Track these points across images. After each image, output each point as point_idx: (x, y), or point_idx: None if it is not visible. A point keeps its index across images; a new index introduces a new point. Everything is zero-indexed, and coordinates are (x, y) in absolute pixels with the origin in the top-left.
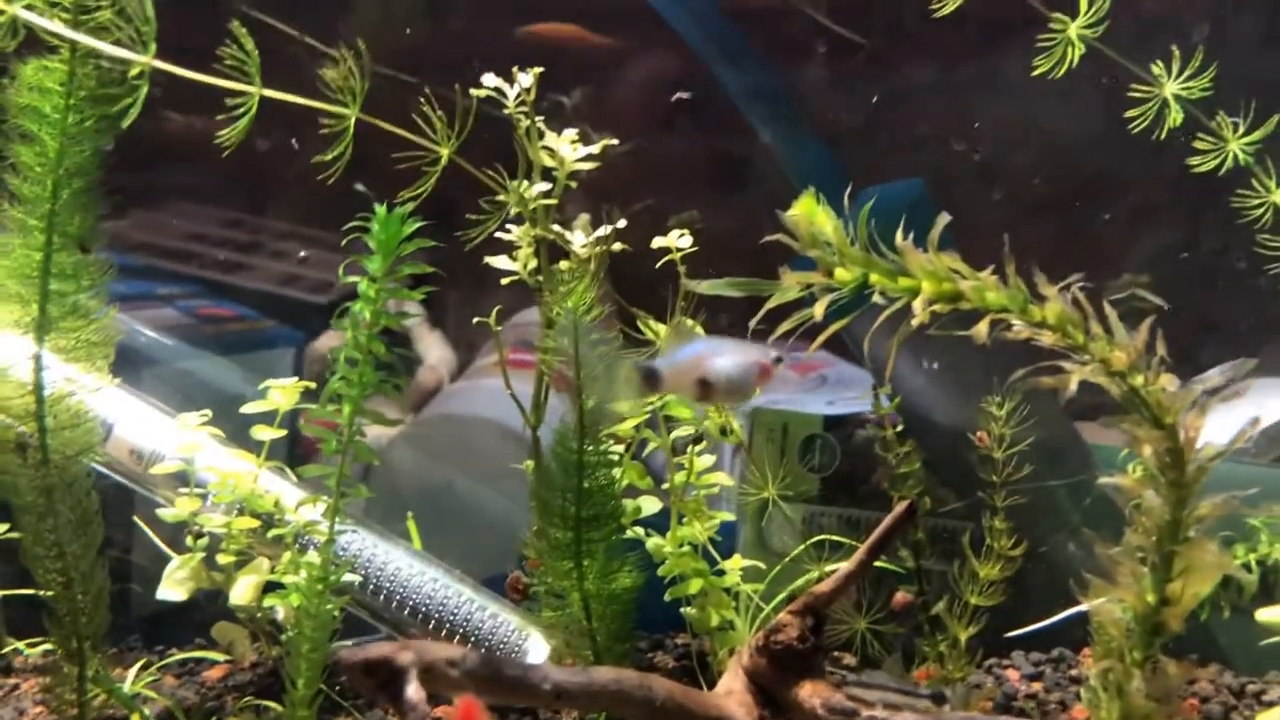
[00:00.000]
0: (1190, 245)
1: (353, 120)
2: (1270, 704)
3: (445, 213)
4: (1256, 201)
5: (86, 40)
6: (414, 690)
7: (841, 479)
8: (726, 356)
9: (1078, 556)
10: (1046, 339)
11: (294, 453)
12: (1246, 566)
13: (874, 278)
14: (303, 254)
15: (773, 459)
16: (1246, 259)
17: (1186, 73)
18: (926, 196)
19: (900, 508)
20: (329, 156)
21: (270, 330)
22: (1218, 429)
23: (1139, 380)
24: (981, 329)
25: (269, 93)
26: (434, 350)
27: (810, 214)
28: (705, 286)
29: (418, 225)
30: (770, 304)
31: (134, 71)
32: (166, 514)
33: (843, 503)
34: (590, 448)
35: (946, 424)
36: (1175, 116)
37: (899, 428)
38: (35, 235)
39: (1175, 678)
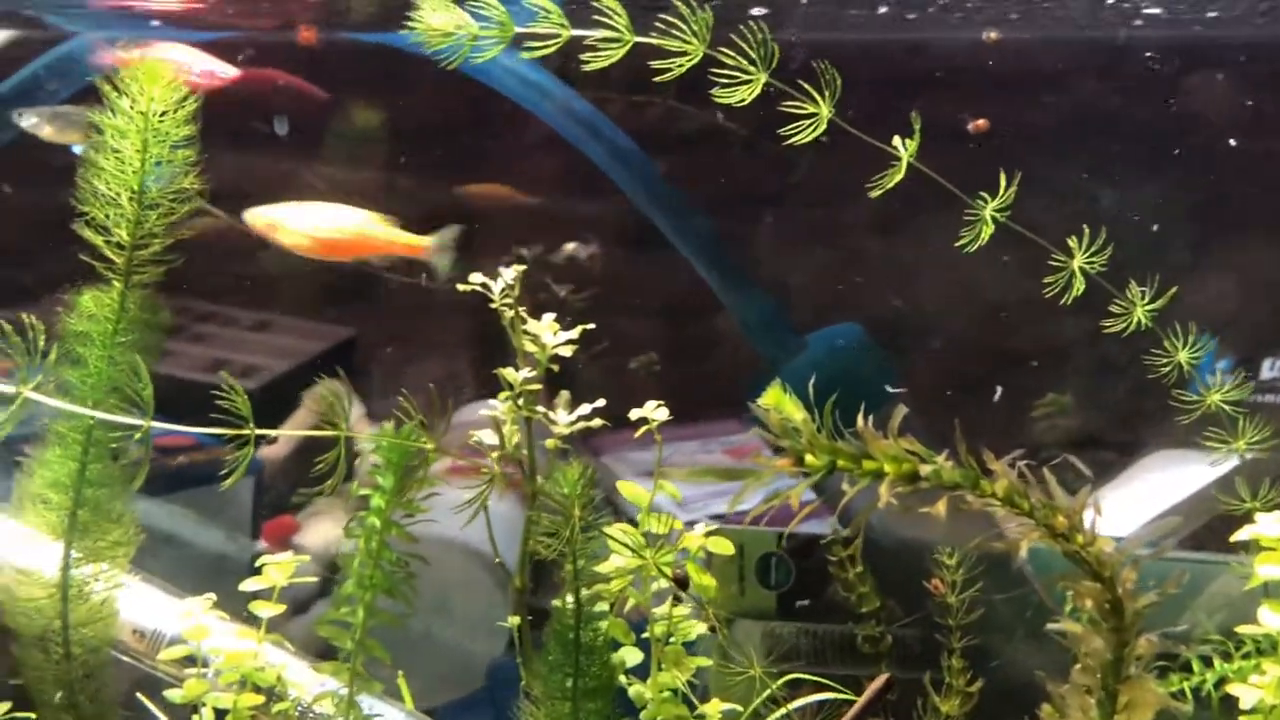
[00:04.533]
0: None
1: None
2: None
3: None
4: (1164, 360)
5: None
6: None
7: (797, 594)
8: None
9: (1026, 668)
10: (998, 510)
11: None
12: (1181, 694)
13: (840, 463)
14: None
15: (731, 578)
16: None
17: (1093, 248)
18: (866, 342)
19: (879, 681)
20: None
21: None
22: (1124, 504)
23: (1079, 540)
24: (941, 507)
25: None
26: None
27: (779, 403)
28: (683, 475)
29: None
30: (746, 491)
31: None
32: (176, 695)
33: (800, 617)
34: (585, 627)
35: (890, 540)
36: (1079, 286)
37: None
38: (72, 446)
39: None
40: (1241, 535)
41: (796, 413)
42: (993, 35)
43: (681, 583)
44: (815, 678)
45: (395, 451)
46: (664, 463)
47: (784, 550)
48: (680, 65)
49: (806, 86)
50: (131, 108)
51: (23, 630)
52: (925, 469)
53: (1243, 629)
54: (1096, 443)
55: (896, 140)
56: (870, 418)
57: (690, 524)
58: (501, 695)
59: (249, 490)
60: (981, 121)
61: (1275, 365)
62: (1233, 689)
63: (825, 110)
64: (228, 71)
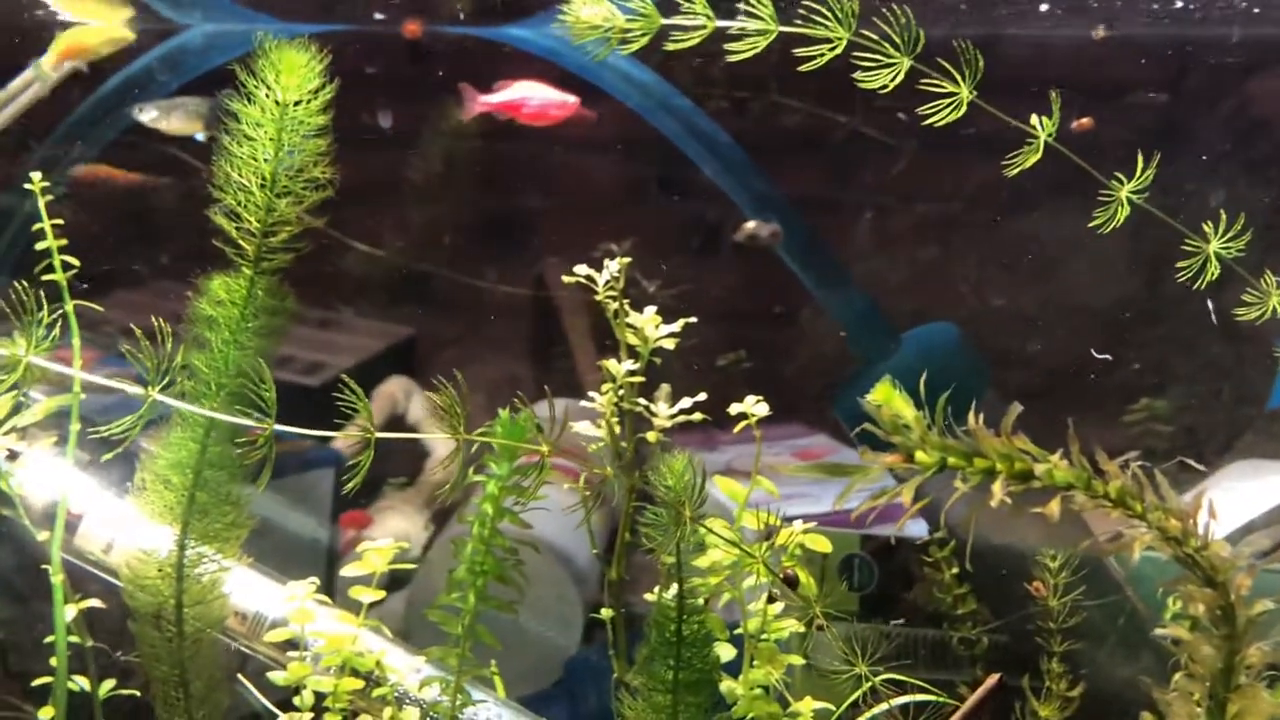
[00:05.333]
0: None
1: None
2: None
3: None
4: None
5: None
6: None
7: (881, 596)
8: None
9: (1119, 675)
10: (1111, 512)
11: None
12: None
13: (951, 461)
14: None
15: (814, 579)
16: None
17: (1230, 233)
18: (962, 341)
19: (990, 681)
20: None
21: (309, 451)
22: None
23: (1193, 544)
24: (1054, 507)
25: None
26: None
27: (889, 400)
28: (791, 469)
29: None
30: (852, 487)
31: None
32: (279, 677)
33: (882, 619)
34: (687, 620)
35: (980, 542)
36: (1213, 271)
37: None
38: (195, 429)
39: None
40: None
41: (908, 409)
42: (1100, 32)
43: (791, 582)
44: (907, 680)
45: (511, 436)
46: (731, 465)
47: (867, 552)
48: (824, 54)
49: (947, 65)
50: (267, 96)
51: (140, 607)
52: (1039, 468)
53: None
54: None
55: (1034, 119)
56: (980, 416)
57: None
58: (579, 690)
59: (328, 481)
60: (1086, 120)
61: None
62: None
63: (965, 92)
64: (571, 100)
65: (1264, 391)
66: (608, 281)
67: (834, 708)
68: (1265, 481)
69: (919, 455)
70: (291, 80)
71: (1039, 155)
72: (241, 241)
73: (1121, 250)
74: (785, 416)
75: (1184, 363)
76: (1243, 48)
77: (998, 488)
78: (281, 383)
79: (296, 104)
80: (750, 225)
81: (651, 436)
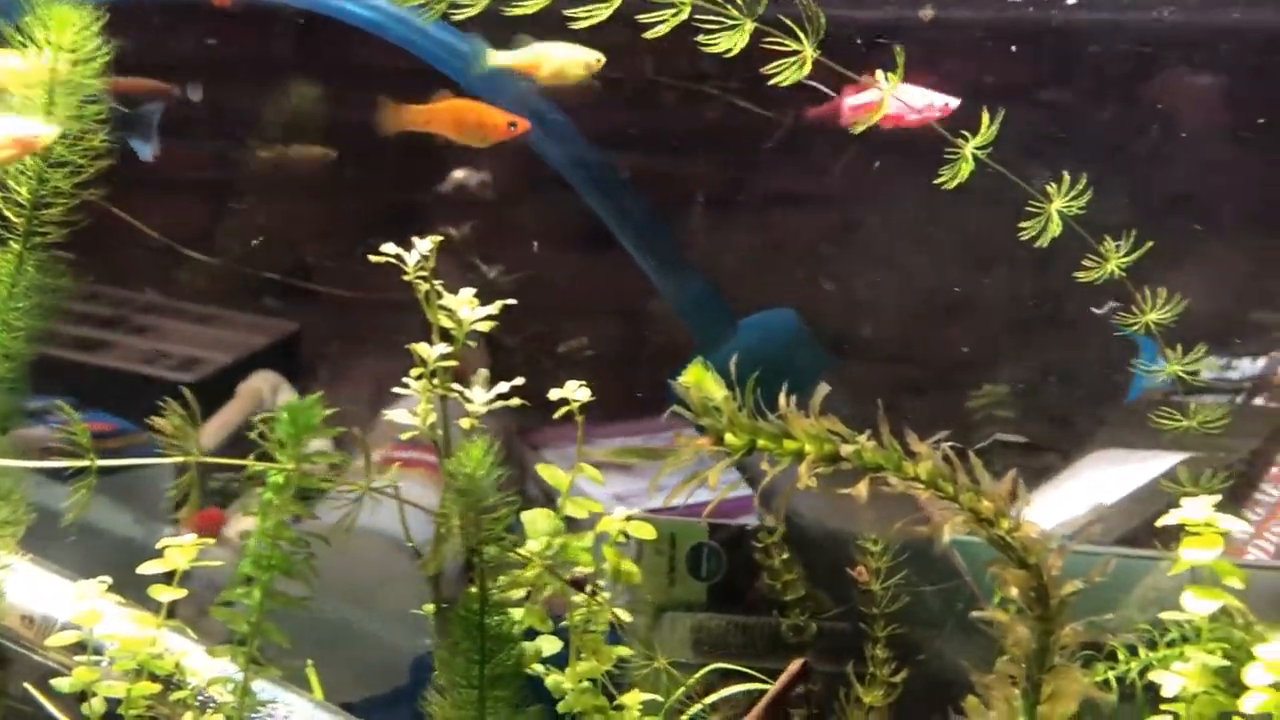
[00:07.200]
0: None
1: None
2: None
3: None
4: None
5: None
6: None
7: (728, 586)
8: None
9: (953, 664)
10: (921, 493)
11: None
12: (1106, 683)
13: (760, 442)
14: None
15: (662, 570)
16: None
17: (1073, 192)
18: (801, 328)
19: (794, 667)
20: None
21: (151, 447)
22: (1063, 503)
23: (1005, 525)
24: (862, 488)
25: None
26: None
27: (700, 382)
28: (604, 455)
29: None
30: (666, 468)
31: None
32: (64, 684)
33: (730, 609)
34: (491, 614)
35: (819, 531)
36: (1055, 227)
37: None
38: None
39: None
40: (1168, 520)
41: (717, 390)
42: (928, 13)
43: (579, 584)
44: (741, 669)
45: (295, 423)
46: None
47: (715, 541)
48: (668, 19)
49: (789, 23)
50: (38, 55)
51: None
52: (846, 449)
53: (1167, 615)
54: (1035, 445)
55: (879, 74)
56: (794, 398)
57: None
58: (425, 691)
59: (165, 479)
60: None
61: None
62: (1155, 676)
63: (809, 50)
64: (942, 103)
65: (1124, 383)
66: (418, 262)
67: (664, 699)
68: (1121, 469)
69: (728, 438)
70: (64, 39)
71: (882, 113)
72: (9, 214)
73: (987, 240)
74: (658, 409)
75: (1046, 353)
76: (1091, 32)
77: (804, 470)
78: (155, 379)
79: (74, 65)
80: (459, 174)
81: (465, 423)
